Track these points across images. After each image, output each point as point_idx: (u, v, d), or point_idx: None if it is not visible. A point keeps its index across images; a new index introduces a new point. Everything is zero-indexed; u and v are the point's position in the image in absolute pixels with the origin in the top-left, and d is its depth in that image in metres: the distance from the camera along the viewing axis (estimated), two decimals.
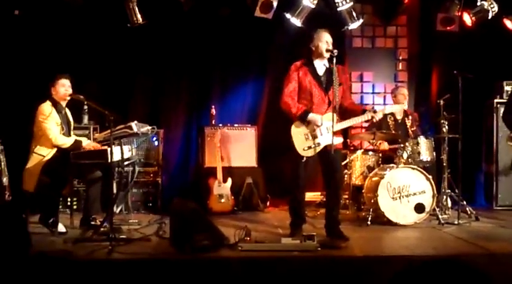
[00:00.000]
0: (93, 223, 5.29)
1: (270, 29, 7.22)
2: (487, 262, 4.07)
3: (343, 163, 6.40)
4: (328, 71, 4.89)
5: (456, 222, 5.73)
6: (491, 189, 7.10)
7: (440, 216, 5.79)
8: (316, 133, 4.88)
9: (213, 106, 7.17)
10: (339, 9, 6.66)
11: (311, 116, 4.84)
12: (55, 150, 5.19)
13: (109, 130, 4.88)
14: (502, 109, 6.99)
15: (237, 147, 6.99)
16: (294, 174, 5.00)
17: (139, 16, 6.40)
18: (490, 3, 6.68)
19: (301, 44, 6.21)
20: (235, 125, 7.12)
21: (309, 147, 4.87)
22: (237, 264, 4.15)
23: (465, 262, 1.15)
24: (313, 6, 6.54)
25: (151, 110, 7.34)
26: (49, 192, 5.22)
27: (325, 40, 4.89)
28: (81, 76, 6.14)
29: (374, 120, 5.04)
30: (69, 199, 6.06)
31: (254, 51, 7.59)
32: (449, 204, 6.26)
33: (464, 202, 6.18)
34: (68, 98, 5.39)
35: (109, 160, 4.91)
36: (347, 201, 6.51)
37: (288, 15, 6.57)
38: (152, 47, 7.23)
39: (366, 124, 6.70)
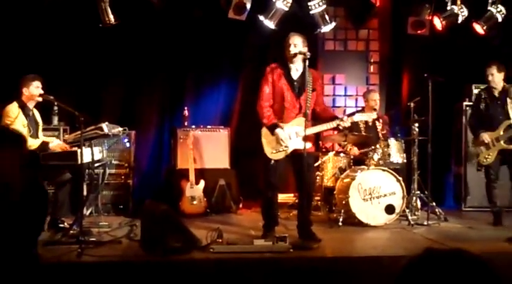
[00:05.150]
0: (61, 225, 5.21)
1: (243, 31, 7.22)
2: None
3: (315, 165, 6.45)
4: (302, 75, 4.91)
5: (425, 223, 5.82)
6: (460, 191, 7.22)
7: (410, 217, 5.87)
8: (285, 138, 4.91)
9: (185, 108, 7.13)
10: (311, 12, 6.70)
11: (277, 132, 4.87)
12: None
13: (79, 132, 4.82)
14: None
15: (209, 148, 6.96)
16: (265, 175, 5.02)
17: (111, 16, 6.32)
18: (459, 7, 6.80)
19: (275, 46, 6.25)
20: (208, 127, 7.10)
21: (278, 151, 4.90)
22: (209, 266, 4.14)
23: (469, 254, 1.16)
24: (286, 9, 6.56)
25: (123, 111, 7.25)
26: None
27: (292, 43, 4.90)
28: (51, 76, 6.02)
29: (340, 128, 5.09)
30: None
31: (227, 52, 7.57)
32: (419, 205, 6.36)
33: (434, 203, 6.28)
34: (40, 99, 5.30)
35: (79, 162, 4.83)
36: (319, 202, 6.55)
37: (261, 18, 6.58)
38: (124, 48, 7.15)
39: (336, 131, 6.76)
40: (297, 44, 4.90)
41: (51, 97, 5.35)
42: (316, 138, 6.41)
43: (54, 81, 6.18)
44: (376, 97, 6.69)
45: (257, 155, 5.19)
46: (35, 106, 5.42)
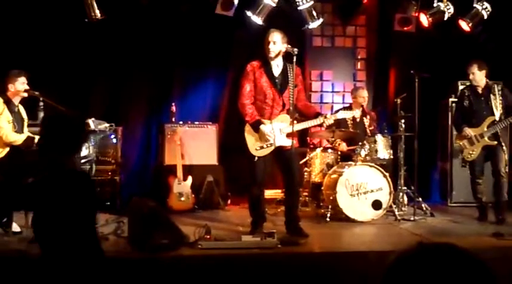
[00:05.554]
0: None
1: (231, 26, 7.21)
2: None
3: (302, 161, 6.47)
4: (284, 72, 4.92)
5: (412, 218, 5.87)
6: (446, 186, 7.28)
7: (396, 212, 5.91)
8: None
9: (173, 104, 7.11)
10: (299, 8, 6.71)
11: (261, 129, 4.87)
12: (8, 148, 5.05)
13: None
14: None
15: (197, 144, 6.95)
16: (250, 173, 5.01)
17: (97, 11, 6.28)
18: (446, 4, 6.86)
19: (263, 42, 6.27)
20: (196, 123, 7.08)
21: (261, 147, 4.91)
22: (196, 262, 4.13)
23: (461, 248, 1.17)
24: (273, 5, 6.56)
25: (109, 107, 7.21)
26: (2, 191, 5.07)
27: (271, 40, 4.89)
28: (37, 72, 5.97)
29: (324, 125, 5.11)
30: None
31: (215, 48, 7.55)
32: (406, 200, 6.41)
33: (420, 199, 6.34)
34: (25, 95, 5.26)
35: None
36: (307, 198, 6.57)
37: (249, 13, 6.58)
38: (111, 43, 7.10)
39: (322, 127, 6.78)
40: (276, 41, 4.89)
41: (37, 93, 5.30)
42: (302, 134, 6.45)
43: (40, 77, 6.13)
44: (364, 94, 6.72)
45: (244, 151, 5.20)
46: (21, 102, 5.37)
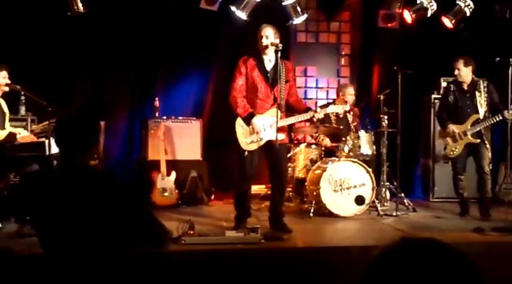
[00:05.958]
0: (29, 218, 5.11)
1: (215, 21, 7.18)
2: None
3: (287, 156, 6.48)
4: (276, 67, 4.93)
5: (394, 214, 5.91)
6: (428, 182, 7.35)
7: (379, 208, 5.96)
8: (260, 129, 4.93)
9: (156, 98, 7.06)
10: (283, 3, 6.71)
11: (253, 121, 4.87)
12: None
13: (47, 122, 4.74)
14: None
15: (181, 140, 6.92)
16: (240, 167, 5.02)
17: (80, 4, 6.22)
18: (429, 1, 6.90)
19: (248, 37, 6.27)
20: (180, 118, 7.05)
21: (252, 141, 4.91)
22: (180, 258, 4.12)
23: (444, 243, 1.18)
24: (258, 0, 6.55)
25: (92, 101, 7.15)
26: None
27: (263, 34, 4.92)
28: (19, 66, 5.90)
29: (314, 119, 5.13)
30: (5, 193, 5.83)
31: (200, 43, 7.51)
32: (388, 196, 6.46)
33: (403, 194, 6.39)
34: (6, 89, 5.19)
35: (46, 153, 4.75)
36: (290, 193, 6.58)
37: (233, 8, 6.56)
38: (94, 37, 7.03)
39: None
40: (269, 35, 4.92)
41: (18, 87, 5.24)
42: (289, 130, 6.46)
43: (22, 71, 6.05)
44: (352, 91, 6.75)
45: (229, 146, 5.19)
46: (2, 96, 5.30)
